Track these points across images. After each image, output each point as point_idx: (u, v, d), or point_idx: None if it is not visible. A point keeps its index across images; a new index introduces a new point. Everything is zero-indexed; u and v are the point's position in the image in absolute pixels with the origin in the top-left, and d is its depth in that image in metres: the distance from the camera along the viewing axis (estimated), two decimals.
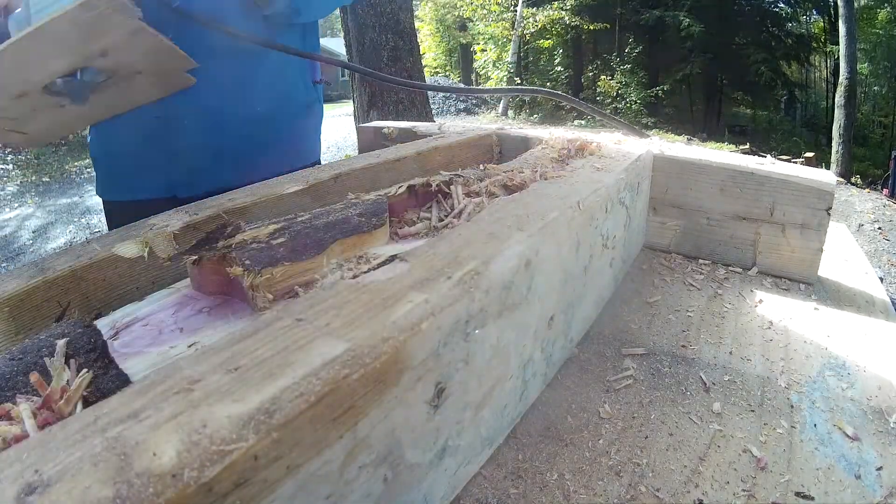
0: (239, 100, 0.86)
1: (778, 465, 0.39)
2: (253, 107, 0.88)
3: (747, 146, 9.37)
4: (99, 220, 5.43)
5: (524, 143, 0.85)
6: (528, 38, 12.67)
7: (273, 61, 0.88)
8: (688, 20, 11.39)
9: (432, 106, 5.62)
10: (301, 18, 0.90)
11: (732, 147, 8.97)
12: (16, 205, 6.35)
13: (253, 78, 0.88)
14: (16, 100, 0.64)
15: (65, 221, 5.72)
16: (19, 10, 0.64)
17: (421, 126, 0.95)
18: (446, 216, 0.54)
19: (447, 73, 15.68)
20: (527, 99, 12.86)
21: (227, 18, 0.75)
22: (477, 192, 0.57)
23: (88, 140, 0.92)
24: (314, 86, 1.01)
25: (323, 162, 0.93)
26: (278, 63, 0.89)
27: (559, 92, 1.01)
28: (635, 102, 11.79)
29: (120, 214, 0.88)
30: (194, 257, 0.42)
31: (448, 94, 11.31)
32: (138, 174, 0.87)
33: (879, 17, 11.73)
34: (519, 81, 12.58)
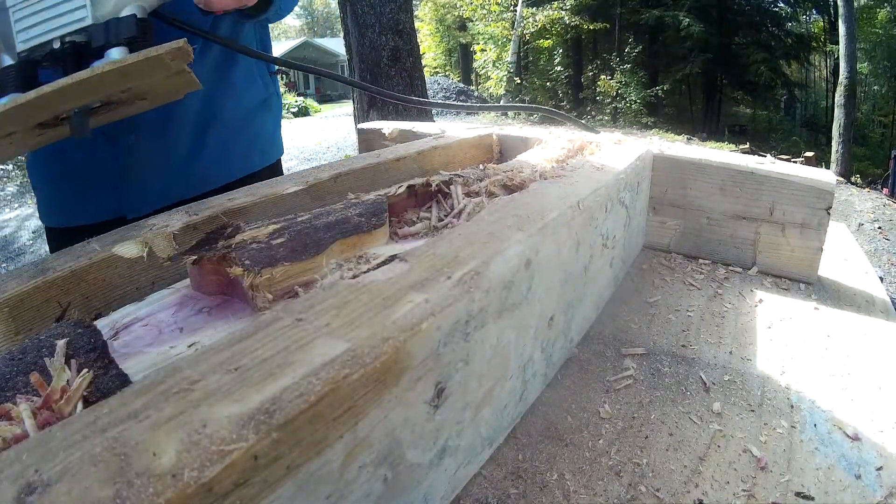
0: (192, 104, 0.78)
1: (778, 465, 0.39)
2: (208, 109, 0.80)
3: (747, 146, 9.36)
4: None
5: (524, 143, 0.85)
6: (527, 37, 12.67)
7: (226, 57, 0.80)
8: (688, 20, 11.39)
9: None
10: (276, 20, 0.86)
11: (732, 147, 8.96)
12: (16, 205, 6.35)
13: (204, 76, 0.76)
14: (3, 138, 0.55)
15: None
16: None
17: (421, 126, 0.95)
18: (446, 216, 0.54)
19: (447, 73, 15.68)
20: (527, 100, 12.85)
21: (197, 21, 0.67)
22: (477, 192, 0.57)
23: (27, 164, 0.83)
24: (271, 77, 0.92)
25: (323, 162, 0.90)
26: (231, 57, 0.81)
27: (547, 108, 1.00)
28: (635, 102, 11.80)
29: (65, 243, 0.80)
30: (194, 257, 0.42)
31: (447, 95, 11.31)
32: (85, 197, 0.78)
33: (879, 17, 11.74)
34: (519, 81, 12.59)
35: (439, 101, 0.99)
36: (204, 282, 0.43)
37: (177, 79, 0.56)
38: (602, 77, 12.33)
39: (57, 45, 0.51)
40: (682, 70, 12.19)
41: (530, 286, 0.40)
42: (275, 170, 0.93)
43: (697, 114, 13.67)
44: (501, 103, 11.29)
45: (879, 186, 7.47)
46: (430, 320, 0.29)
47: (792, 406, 0.45)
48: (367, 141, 1.00)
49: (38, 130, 0.57)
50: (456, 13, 14.13)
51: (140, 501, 0.18)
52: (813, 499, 0.37)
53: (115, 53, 0.51)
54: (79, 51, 0.52)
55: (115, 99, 0.56)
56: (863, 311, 0.61)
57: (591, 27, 12.03)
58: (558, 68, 13.46)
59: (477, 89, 13.59)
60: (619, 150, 0.68)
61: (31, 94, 0.48)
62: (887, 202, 6.23)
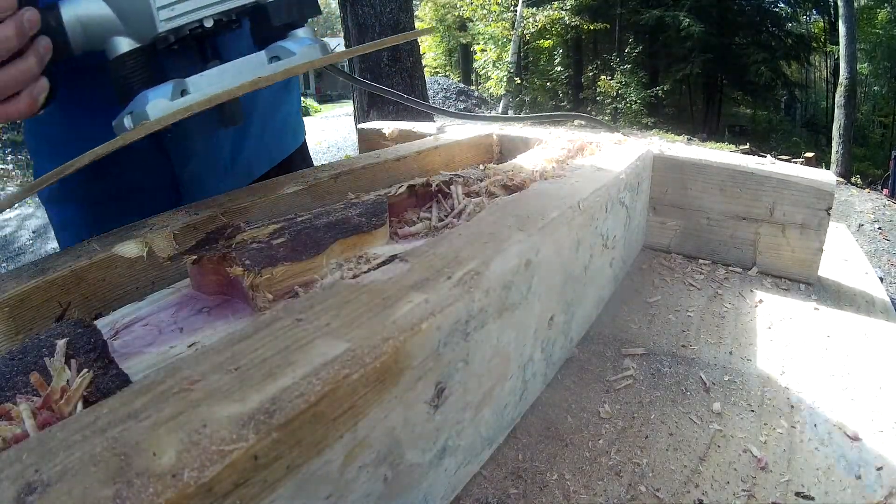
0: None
1: (778, 465, 0.39)
2: (245, 99, 0.73)
3: (747, 146, 9.36)
4: None
5: (524, 144, 0.85)
6: (528, 38, 12.67)
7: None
8: (688, 20, 11.40)
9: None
10: None
11: (732, 147, 8.97)
12: (16, 205, 6.34)
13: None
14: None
15: None
16: None
17: (421, 126, 0.95)
18: (446, 216, 0.54)
19: (447, 73, 15.68)
20: (527, 100, 12.85)
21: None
22: (477, 192, 0.57)
23: (42, 197, 0.71)
24: None
25: (323, 162, 0.89)
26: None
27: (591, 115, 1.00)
28: (635, 102, 11.81)
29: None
30: (194, 257, 0.42)
31: (447, 95, 11.30)
32: (139, 215, 0.69)
33: (879, 17, 11.74)
34: (519, 81, 12.59)
35: (468, 113, 0.96)
36: (204, 282, 0.43)
37: None
38: (602, 77, 12.34)
39: (210, 24, 0.45)
40: (682, 70, 12.20)
41: (530, 286, 0.40)
42: (303, 151, 0.90)
43: (697, 114, 13.68)
44: (500, 108, 11.30)
45: (879, 187, 7.48)
46: (430, 320, 0.29)
47: (792, 406, 0.45)
48: (367, 141, 1.00)
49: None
50: (456, 13, 14.12)
51: (140, 501, 0.18)
52: (813, 499, 0.37)
53: (303, 33, 0.48)
54: (216, 31, 0.47)
55: None
56: (863, 311, 0.61)
57: (592, 27, 12.03)
58: (558, 68, 13.47)
59: (477, 89, 13.58)
60: (619, 151, 0.68)
61: (250, 78, 0.42)
62: (887, 203, 6.23)
